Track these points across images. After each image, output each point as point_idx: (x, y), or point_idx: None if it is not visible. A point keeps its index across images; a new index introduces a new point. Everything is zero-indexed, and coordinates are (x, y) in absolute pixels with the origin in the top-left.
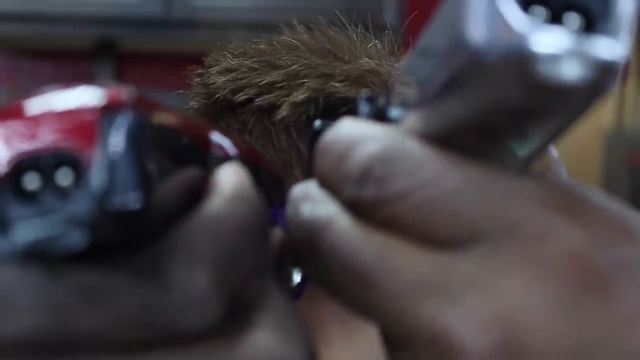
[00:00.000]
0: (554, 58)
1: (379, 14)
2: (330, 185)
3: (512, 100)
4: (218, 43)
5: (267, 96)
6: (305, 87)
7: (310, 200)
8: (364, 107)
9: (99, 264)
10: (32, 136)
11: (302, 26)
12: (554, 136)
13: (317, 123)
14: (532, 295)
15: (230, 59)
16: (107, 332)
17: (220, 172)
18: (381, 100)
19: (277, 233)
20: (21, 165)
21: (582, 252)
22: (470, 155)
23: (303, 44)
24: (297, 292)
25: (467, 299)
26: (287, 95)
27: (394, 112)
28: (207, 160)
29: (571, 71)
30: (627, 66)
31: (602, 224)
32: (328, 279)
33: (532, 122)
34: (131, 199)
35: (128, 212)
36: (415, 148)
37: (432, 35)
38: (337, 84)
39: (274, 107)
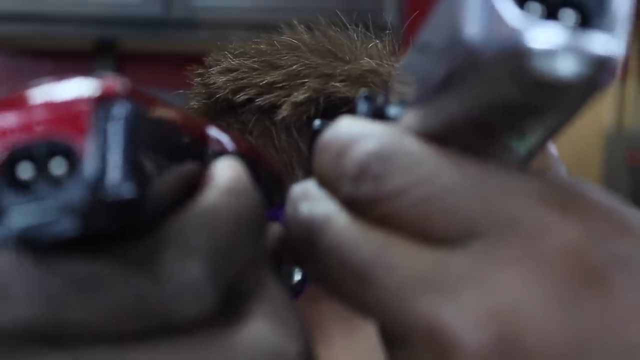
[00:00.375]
0: (549, 54)
1: (379, 14)
2: (328, 183)
3: (509, 97)
4: (218, 43)
5: (268, 96)
6: (305, 87)
7: (309, 199)
8: (362, 106)
9: (93, 254)
10: (27, 126)
11: (302, 26)
12: (551, 133)
13: (317, 122)
14: (529, 291)
15: (230, 58)
16: (101, 322)
17: (217, 165)
18: (380, 99)
19: (275, 228)
20: (15, 155)
21: (580, 248)
22: (468, 153)
23: (303, 44)
24: (297, 290)
25: (464, 295)
26: (288, 95)
27: (392, 110)
28: (203, 154)
29: (566, 67)
30: (626, 64)
31: (600, 219)
32: (327, 276)
33: (529, 119)
34: (124, 189)
35: (121, 202)
36: (412, 145)
37: (430, 32)
38: (337, 84)
39: (274, 107)
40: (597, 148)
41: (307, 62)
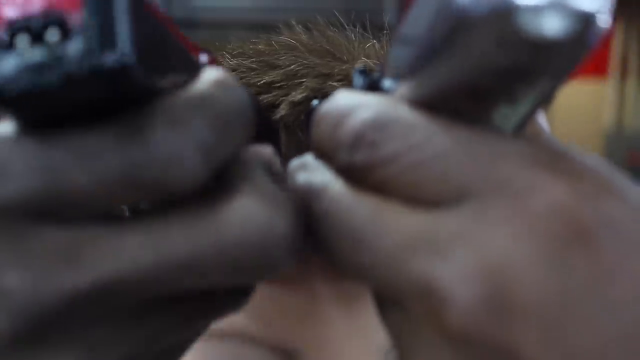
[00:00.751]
0: (536, 10)
1: (379, 14)
2: (325, 154)
3: (498, 60)
4: (217, 43)
5: (266, 96)
6: (303, 87)
7: (306, 169)
8: (358, 79)
9: (88, 127)
10: (25, 3)
11: (300, 26)
12: (541, 101)
13: (314, 101)
14: (518, 248)
15: (228, 59)
16: (96, 191)
17: (204, 71)
18: (375, 73)
19: (268, 149)
20: (12, 28)
21: (568, 207)
22: (460, 120)
23: (301, 44)
24: None
25: (456, 254)
26: (286, 95)
27: (387, 83)
28: (193, 65)
29: (553, 24)
30: (626, 64)
31: (587, 180)
32: (323, 243)
33: (518, 84)
34: (113, 58)
35: (111, 69)
36: (406, 113)
37: (413, 22)
38: (335, 84)
39: (273, 107)
40: (597, 148)
41: (305, 62)
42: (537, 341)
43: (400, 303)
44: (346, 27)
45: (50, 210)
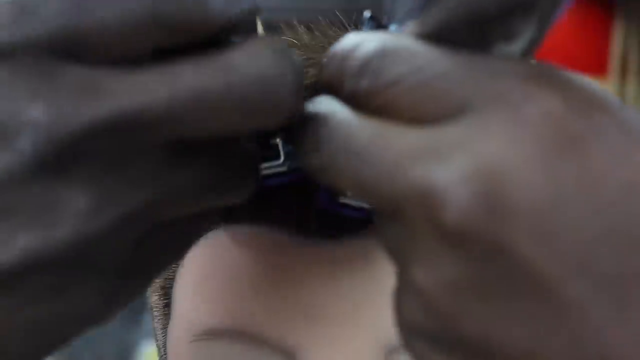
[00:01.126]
0: None
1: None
2: (332, 86)
3: None
4: None
5: None
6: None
7: (315, 102)
8: (367, 25)
9: None
10: None
11: (302, 26)
12: (536, 40)
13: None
14: (512, 152)
15: None
16: (122, 30)
17: None
18: (384, 19)
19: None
20: None
21: (560, 115)
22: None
23: (303, 44)
24: (286, 177)
25: (454, 159)
26: None
27: (393, 27)
28: None
29: None
30: (626, 64)
31: (580, 95)
32: (328, 165)
33: (514, 16)
34: None
35: None
36: (410, 42)
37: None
38: None
39: None
40: None
41: (307, 61)
42: (529, 239)
43: (399, 217)
44: (347, 27)
45: (76, 51)
